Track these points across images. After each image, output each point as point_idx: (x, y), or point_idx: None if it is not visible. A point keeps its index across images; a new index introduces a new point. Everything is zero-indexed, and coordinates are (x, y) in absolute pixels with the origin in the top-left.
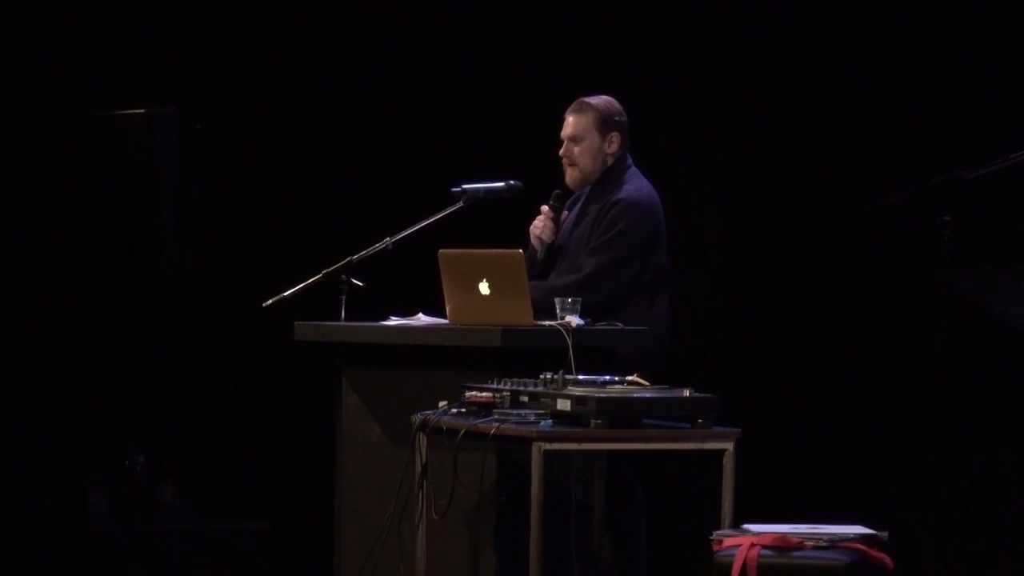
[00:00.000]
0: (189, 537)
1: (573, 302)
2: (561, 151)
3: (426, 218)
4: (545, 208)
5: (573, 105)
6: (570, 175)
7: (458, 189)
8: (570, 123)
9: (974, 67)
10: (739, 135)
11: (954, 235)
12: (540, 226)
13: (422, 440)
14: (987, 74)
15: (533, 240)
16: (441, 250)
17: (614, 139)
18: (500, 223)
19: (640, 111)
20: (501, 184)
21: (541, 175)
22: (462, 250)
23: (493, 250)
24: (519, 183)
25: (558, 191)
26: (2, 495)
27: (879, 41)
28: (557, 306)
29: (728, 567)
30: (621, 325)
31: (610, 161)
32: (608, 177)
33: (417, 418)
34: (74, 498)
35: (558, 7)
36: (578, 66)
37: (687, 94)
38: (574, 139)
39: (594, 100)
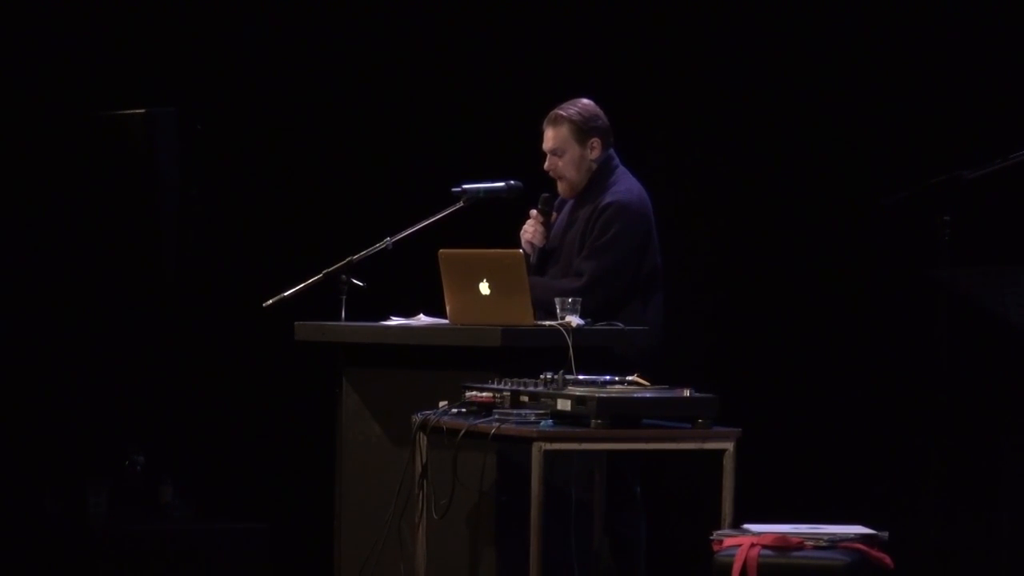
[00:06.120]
0: (189, 537)
1: (573, 302)
2: (545, 165)
3: (426, 218)
4: (534, 212)
5: (548, 117)
6: (560, 187)
7: (458, 189)
8: (548, 137)
9: (974, 67)
10: (739, 134)
11: (954, 235)
12: (531, 230)
13: (422, 440)
14: (987, 74)
15: (524, 244)
16: (441, 250)
17: (595, 144)
18: (500, 223)
19: (639, 109)
20: (501, 184)
21: (541, 175)
22: (462, 250)
23: (493, 250)
24: (519, 183)
25: (546, 194)
26: (2, 495)
27: (879, 41)
28: (557, 306)
29: (728, 567)
30: (621, 325)
31: (595, 166)
32: (596, 181)
33: (417, 418)
34: (74, 498)
35: (557, 7)
36: (576, 66)
37: (688, 93)
38: (555, 152)
39: (568, 110)
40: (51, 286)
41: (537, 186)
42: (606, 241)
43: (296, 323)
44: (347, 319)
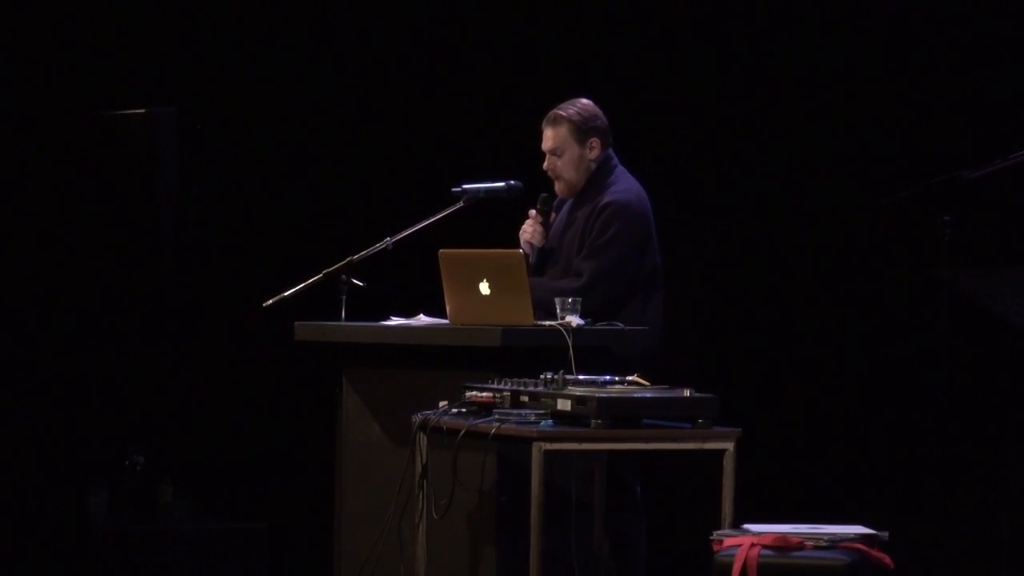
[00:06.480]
0: (189, 537)
1: (573, 302)
2: (544, 165)
3: (426, 218)
4: (533, 212)
5: (547, 117)
6: (558, 187)
7: (458, 189)
8: (548, 137)
9: (974, 67)
10: (738, 134)
11: (954, 235)
12: (529, 231)
13: (422, 440)
14: (987, 74)
15: (523, 245)
16: (441, 250)
17: (594, 144)
18: (500, 223)
19: (639, 109)
20: (501, 184)
21: (541, 175)
22: (462, 250)
23: (493, 250)
24: (519, 183)
25: (545, 195)
26: (2, 495)
27: (879, 41)
28: (557, 306)
29: (728, 567)
30: (621, 325)
31: (593, 166)
32: (594, 181)
33: (417, 418)
34: (74, 498)
35: (557, 7)
36: (576, 66)
37: (688, 93)
38: (554, 152)
39: (567, 110)
40: (51, 286)
41: (537, 186)
42: (605, 241)
43: (296, 323)
44: (347, 319)
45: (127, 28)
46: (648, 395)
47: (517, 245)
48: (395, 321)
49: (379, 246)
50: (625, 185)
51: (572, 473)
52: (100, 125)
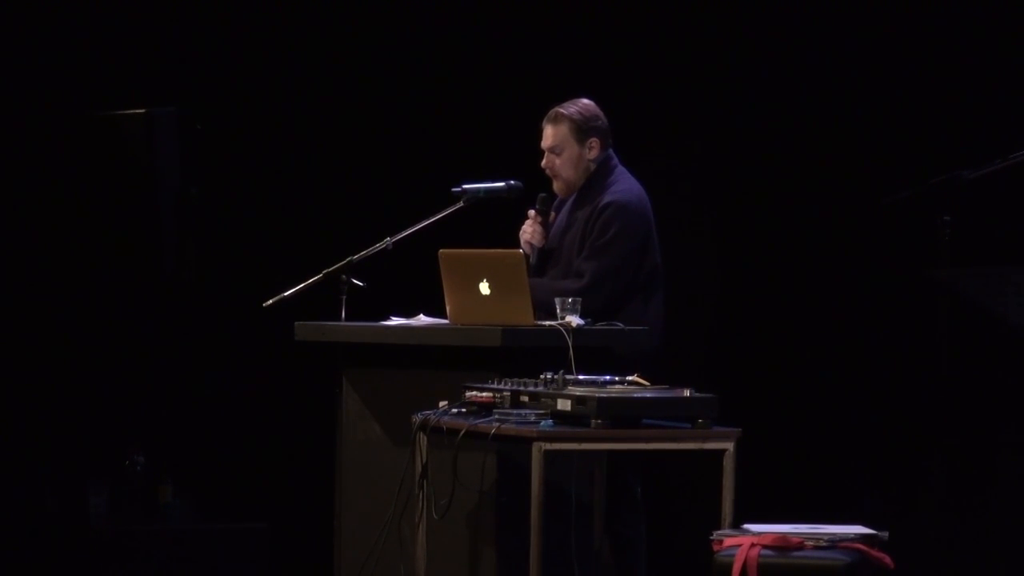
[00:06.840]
0: (189, 537)
1: (574, 302)
2: (543, 163)
3: (426, 218)
4: (532, 212)
5: (548, 115)
6: (556, 186)
7: (458, 189)
8: (547, 134)
9: (974, 67)
10: (739, 134)
11: (954, 235)
12: (529, 231)
13: (422, 440)
14: (987, 74)
15: (523, 245)
16: (441, 250)
17: (593, 144)
18: (500, 223)
19: (639, 109)
20: (501, 184)
21: (540, 175)
22: (462, 250)
23: (493, 250)
24: (519, 183)
25: (543, 194)
26: (2, 495)
27: (879, 41)
28: (558, 306)
29: (728, 567)
30: (621, 325)
31: (593, 167)
32: (594, 181)
33: (417, 418)
34: (74, 498)
35: (556, 7)
36: (576, 66)
37: (688, 93)
38: (553, 150)
39: (568, 109)
40: (51, 286)
41: (537, 186)
42: (606, 241)
43: (296, 323)
44: (347, 319)
45: (127, 28)
46: (648, 395)
47: (517, 245)
48: (395, 321)
49: (379, 246)
50: (625, 185)
51: (572, 473)
52: (100, 125)
